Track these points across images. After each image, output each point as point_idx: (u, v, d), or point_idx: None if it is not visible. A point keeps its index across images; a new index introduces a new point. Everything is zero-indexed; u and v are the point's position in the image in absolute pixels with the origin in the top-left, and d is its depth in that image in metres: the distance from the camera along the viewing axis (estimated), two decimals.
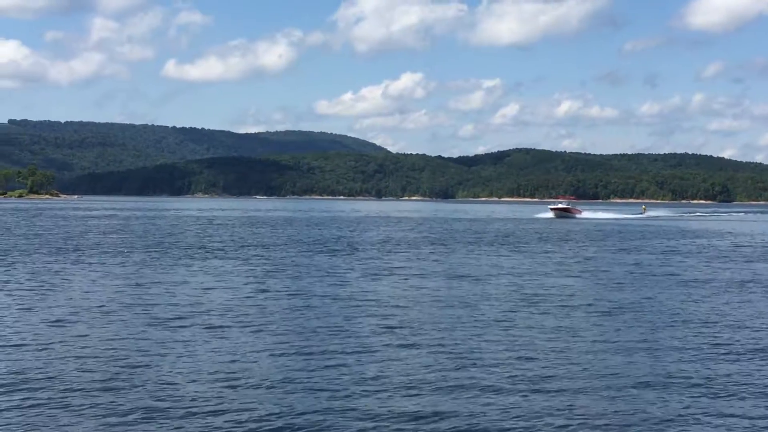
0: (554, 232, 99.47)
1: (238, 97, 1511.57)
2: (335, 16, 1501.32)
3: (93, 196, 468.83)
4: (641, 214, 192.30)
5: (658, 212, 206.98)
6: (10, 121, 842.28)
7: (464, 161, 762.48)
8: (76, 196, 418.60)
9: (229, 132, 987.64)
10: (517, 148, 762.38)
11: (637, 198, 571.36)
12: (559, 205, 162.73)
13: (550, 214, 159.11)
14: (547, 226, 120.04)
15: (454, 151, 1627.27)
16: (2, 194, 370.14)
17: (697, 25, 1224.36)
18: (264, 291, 35.85)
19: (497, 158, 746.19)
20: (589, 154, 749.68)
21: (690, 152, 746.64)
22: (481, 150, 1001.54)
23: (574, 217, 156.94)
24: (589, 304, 33.11)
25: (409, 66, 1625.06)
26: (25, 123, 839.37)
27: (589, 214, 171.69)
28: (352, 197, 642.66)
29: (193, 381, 19.67)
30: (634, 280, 42.69)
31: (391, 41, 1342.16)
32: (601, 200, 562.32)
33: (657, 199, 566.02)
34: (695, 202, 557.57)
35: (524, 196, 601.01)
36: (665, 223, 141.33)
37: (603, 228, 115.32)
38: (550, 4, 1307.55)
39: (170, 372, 20.40)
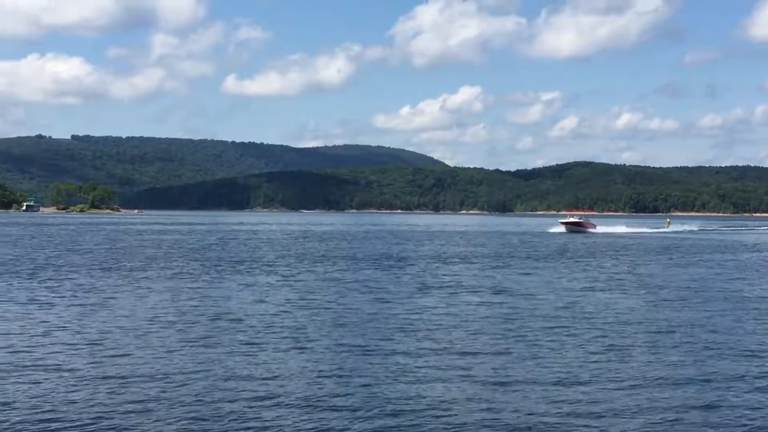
0: (551, 247, 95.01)
1: (297, 111, 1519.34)
2: (393, 31, 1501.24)
3: (153, 211, 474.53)
4: (665, 227, 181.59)
5: (686, 226, 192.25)
6: (73, 137, 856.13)
7: (522, 174, 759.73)
8: (136, 211, 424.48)
9: (287, 146, 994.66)
10: (575, 161, 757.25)
11: (698, 211, 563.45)
12: (570, 219, 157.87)
13: (561, 228, 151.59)
14: (551, 241, 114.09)
15: (512, 164, 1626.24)
16: (64, 209, 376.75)
17: (759, 36, 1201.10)
18: (326, 307, 35.09)
19: (555, 171, 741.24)
20: (649, 167, 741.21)
21: (752, 165, 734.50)
22: (539, 163, 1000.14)
23: (587, 232, 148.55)
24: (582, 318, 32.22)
25: (467, 80, 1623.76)
26: (87, 138, 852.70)
27: (606, 228, 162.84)
28: (409, 211, 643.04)
29: (232, 401, 19.40)
30: (612, 296, 41.76)
31: (449, 55, 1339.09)
32: (659, 212, 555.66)
33: (719, 212, 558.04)
34: (758, 215, 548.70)
35: (583, 210, 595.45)
36: (685, 237, 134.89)
37: (610, 243, 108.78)
38: (610, 16, 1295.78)
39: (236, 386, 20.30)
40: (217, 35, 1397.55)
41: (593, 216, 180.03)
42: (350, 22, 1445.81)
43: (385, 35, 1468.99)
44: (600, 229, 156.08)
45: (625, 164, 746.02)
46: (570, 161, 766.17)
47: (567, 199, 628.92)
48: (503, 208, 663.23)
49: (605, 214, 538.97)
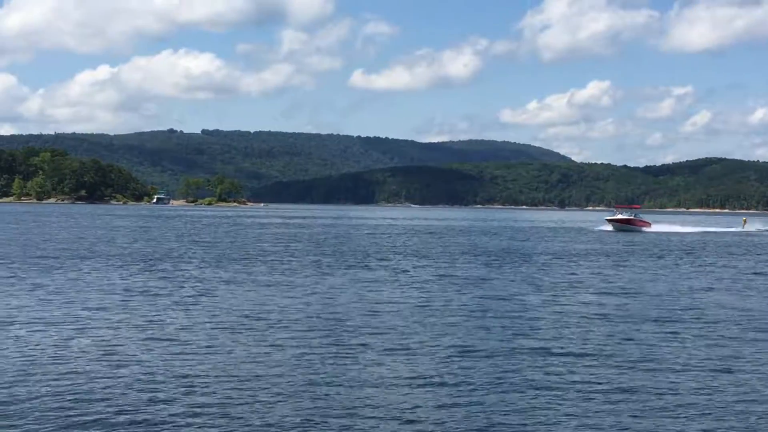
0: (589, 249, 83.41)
1: (423, 106, 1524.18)
2: (521, 24, 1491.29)
3: (279, 204, 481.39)
4: (741, 227, 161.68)
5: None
6: (203, 131, 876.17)
7: (651, 171, 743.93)
8: (262, 204, 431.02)
9: (412, 141, 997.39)
10: (707, 158, 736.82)
11: None
12: (618, 216, 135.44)
13: (608, 227, 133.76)
14: (592, 239, 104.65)
15: (640, 160, 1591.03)
16: (193, 202, 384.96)
17: None
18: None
19: (686, 168, 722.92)
20: None
21: None
22: (669, 159, 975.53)
23: (640, 231, 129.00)
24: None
25: (596, 74, 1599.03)
26: (217, 133, 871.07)
27: (665, 227, 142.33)
28: (534, 207, 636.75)
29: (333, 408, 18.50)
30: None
31: (578, 49, 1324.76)
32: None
33: None
34: None
35: (713, 207, 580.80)
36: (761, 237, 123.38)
37: (658, 243, 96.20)
38: (746, 7, 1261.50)
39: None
40: (345, 30, 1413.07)
41: (640, 212, 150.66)
42: (478, 16, 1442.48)
43: (512, 29, 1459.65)
44: (657, 227, 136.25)
45: (758, 161, 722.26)
46: (701, 157, 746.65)
47: (697, 196, 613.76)
48: (631, 204, 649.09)
49: (701, 210, 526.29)
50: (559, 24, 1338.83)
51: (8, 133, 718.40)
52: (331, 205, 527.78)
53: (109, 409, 17.80)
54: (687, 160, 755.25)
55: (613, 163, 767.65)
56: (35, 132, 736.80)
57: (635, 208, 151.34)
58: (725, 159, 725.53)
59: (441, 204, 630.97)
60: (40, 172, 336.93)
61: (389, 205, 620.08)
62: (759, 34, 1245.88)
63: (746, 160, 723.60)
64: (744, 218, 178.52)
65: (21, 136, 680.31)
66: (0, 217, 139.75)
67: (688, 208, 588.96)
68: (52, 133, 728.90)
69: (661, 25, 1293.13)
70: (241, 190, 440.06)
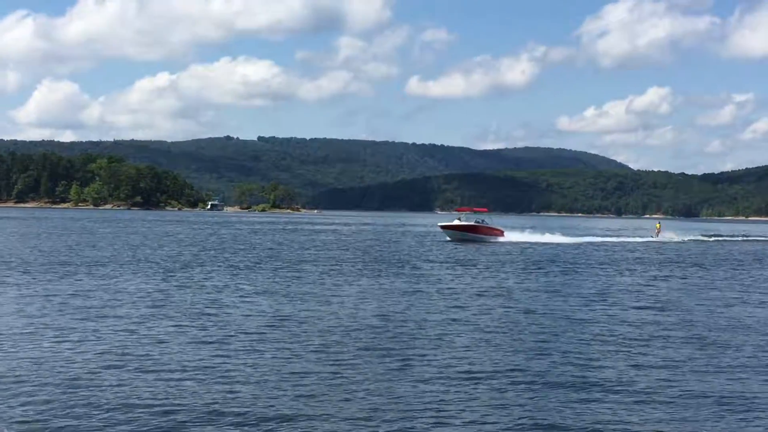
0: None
1: (479, 113, 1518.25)
2: (579, 31, 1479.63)
3: (333, 211, 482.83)
4: (654, 235, 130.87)
5: (682, 236, 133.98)
6: (259, 138, 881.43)
7: (710, 178, 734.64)
8: (316, 211, 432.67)
9: (467, 149, 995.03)
10: (766, 165, 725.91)
11: None
12: (456, 222, 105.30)
13: (446, 236, 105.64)
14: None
15: (699, 168, 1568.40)
16: (247, 208, 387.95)
17: None
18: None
19: (745, 175, 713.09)
20: None
21: None
22: (728, 167, 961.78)
23: (486, 240, 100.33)
24: None
25: (655, 80, 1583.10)
26: (273, 140, 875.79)
27: (528, 236, 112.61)
28: (590, 215, 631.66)
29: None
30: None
31: (637, 55, 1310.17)
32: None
33: None
34: None
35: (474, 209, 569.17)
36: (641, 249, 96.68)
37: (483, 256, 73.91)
38: None
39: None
40: (402, 37, 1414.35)
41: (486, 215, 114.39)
42: (535, 22, 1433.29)
43: (570, 35, 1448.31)
44: (514, 236, 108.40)
45: None
46: (761, 165, 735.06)
47: (756, 204, 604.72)
48: (688, 212, 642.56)
49: (760, 218, 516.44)
50: (617, 30, 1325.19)
51: (69, 140, 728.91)
52: (386, 212, 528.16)
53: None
54: (746, 168, 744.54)
55: (671, 170, 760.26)
56: (95, 139, 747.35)
57: (480, 212, 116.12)
58: None
59: (497, 211, 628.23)
60: (97, 179, 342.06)
61: (444, 212, 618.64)
62: None
63: None
64: (658, 223, 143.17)
65: (81, 143, 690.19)
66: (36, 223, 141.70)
67: (747, 217, 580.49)
68: (111, 140, 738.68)
69: (722, 31, 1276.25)
70: (296, 196, 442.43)
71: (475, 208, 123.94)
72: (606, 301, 39.77)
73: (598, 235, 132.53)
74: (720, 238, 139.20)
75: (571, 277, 52.93)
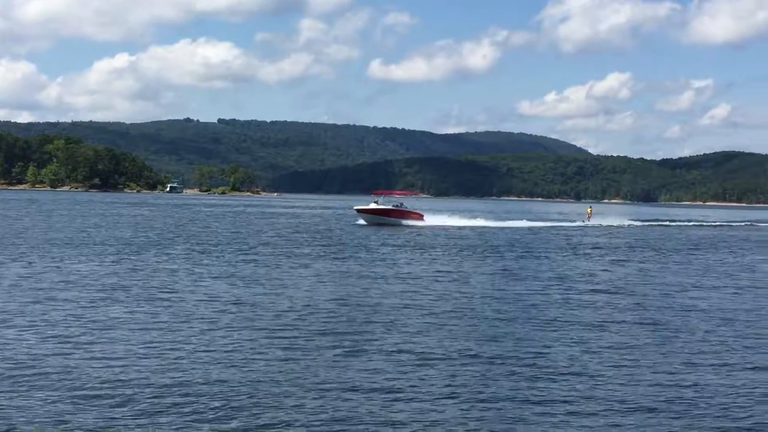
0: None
1: (441, 97, 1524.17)
2: (541, 16, 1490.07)
3: (293, 194, 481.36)
4: (585, 220, 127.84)
5: (615, 220, 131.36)
6: (220, 120, 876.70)
7: (668, 164, 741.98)
8: (275, 194, 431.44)
9: (429, 132, 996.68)
10: (725, 151, 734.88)
11: None
12: (373, 206, 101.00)
13: (362, 220, 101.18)
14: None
15: (658, 153, 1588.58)
16: (206, 191, 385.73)
17: None
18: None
19: (703, 161, 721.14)
20: None
21: None
22: (687, 153, 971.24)
23: (404, 224, 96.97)
24: None
25: (615, 66, 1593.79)
26: (233, 122, 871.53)
27: (452, 220, 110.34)
28: (550, 199, 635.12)
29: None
30: None
31: (598, 41, 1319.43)
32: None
33: None
34: None
35: (730, 201, 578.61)
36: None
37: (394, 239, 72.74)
38: None
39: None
40: (364, 20, 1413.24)
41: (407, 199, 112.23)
42: (498, 7, 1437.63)
43: (532, 20, 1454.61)
44: (437, 220, 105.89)
45: None
46: (718, 151, 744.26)
47: (714, 190, 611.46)
48: (647, 197, 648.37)
49: (717, 204, 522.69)
50: (579, 15, 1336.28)
51: (26, 121, 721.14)
52: (346, 196, 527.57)
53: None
54: (704, 154, 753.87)
55: (630, 156, 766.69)
56: (52, 120, 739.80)
57: (402, 195, 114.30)
58: (743, 153, 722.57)
59: (457, 195, 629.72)
60: (54, 160, 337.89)
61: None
62: None
63: (764, 153, 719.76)
64: (589, 208, 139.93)
65: (38, 123, 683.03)
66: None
67: (704, 202, 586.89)
68: (69, 121, 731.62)
69: (683, 18, 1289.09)
70: (256, 179, 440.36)
71: (396, 192, 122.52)
72: (492, 284, 39.74)
73: (530, 220, 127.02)
74: (655, 224, 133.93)
75: (472, 262, 52.03)
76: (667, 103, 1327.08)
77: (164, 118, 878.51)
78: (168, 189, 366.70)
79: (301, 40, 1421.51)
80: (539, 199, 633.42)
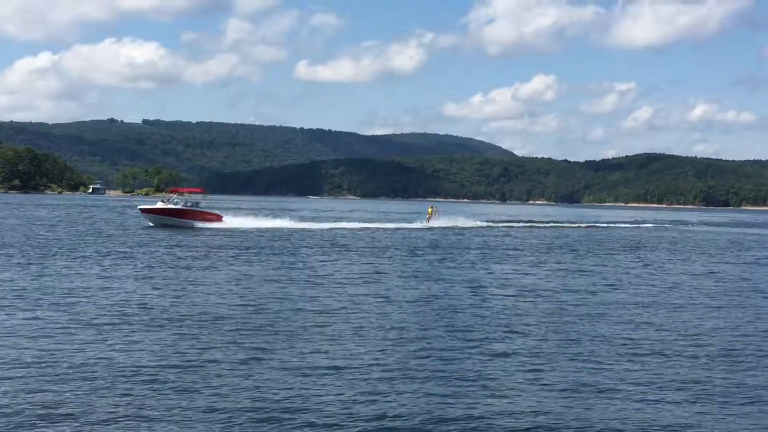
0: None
1: (367, 98, 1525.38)
2: (467, 18, 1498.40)
3: (219, 196, 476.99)
4: (425, 221, 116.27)
5: (458, 221, 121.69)
6: (144, 121, 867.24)
7: (591, 166, 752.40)
8: (200, 195, 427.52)
9: (355, 134, 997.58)
10: (646, 153, 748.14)
11: None
12: (160, 205, 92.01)
13: (148, 221, 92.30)
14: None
15: (582, 155, 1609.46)
16: (130, 192, 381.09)
17: None
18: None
19: (626, 163, 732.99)
20: (721, 160, 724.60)
21: None
22: (610, 154, 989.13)
23: (195, 226, 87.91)
24: None
25: (540, 68, 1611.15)
26: (158, 123, 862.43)
27: (255, 221, 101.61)
28: (476, 200, 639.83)
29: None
30: None
31: (524, 43, 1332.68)
32: (730, 206, 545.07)
33: None
34: None
35: (651, 202, 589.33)
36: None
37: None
38: (689, 5, 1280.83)
39: None
40: (291, 21, 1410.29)
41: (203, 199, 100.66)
42: (424, 8, 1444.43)
43: (458, 22, 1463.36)
44: (239, 222, 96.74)
45: (697, 157, 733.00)
46: (640, 152, 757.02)
47: (636, 191, 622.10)
48: (571, 198, 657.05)
49: (639, 205, 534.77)
50: (505, 18, 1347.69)
51: None
52: (273, 197, 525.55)
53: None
54: (627, 156, 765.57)
55: (555, 157, 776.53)
56: None
57: (196, 193, 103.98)
58: (664, 155, 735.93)
59: (384, 197, 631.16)
60: None
61: (330, 197, 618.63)
62: (701, 32, 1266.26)
63: (685, 156, 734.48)
64: (431, 207, 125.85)
65: None
66: None
67: (626, 203, 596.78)
68: None
69: (606, 21, 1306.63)
70: (180, 181, 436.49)
71: (191, 189, 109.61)
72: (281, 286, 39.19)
73: (356, 221, 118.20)
74: (512, 225, 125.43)
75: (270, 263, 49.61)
76: (590, 106, 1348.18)
77: (88, 119, 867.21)
78: (90, 190, 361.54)
79: (228, 40, 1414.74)
80: (465, 200, 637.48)
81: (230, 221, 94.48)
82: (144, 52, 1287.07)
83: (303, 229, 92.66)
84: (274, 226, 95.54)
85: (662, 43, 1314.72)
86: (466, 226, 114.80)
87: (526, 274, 47.55)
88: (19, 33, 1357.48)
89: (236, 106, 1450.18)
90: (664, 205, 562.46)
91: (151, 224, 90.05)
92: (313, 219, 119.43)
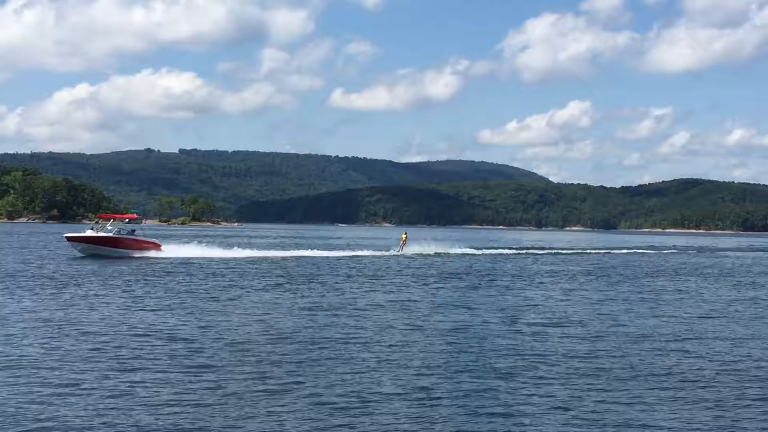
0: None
1: (402, 126, 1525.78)
2: (502, 45, 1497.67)
3: (255, 224, 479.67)
4: (395, 250, 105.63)
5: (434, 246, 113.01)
6: (181, 151, 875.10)
7: (628, 191, 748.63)
8: (236, 224, 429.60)
9: (391, 161, 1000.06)
10: (683, 178, 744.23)
11: None
12: (89, 232, 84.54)
13: (77, 250, 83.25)
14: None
15: (618, 181, 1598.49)
16: (166, 221, 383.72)
17: None
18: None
19: (662, 188, 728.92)
20: (760, 185, 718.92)
21: None
22: (646, 180, 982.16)
23: (129, 255, 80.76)
24: None
25: (576, 94, 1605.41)
26: (194, 152, 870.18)
27: (201, 251, 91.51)
28: (511, 227, 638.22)
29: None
30: None
31: (559, 69, 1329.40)
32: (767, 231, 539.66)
33: None
34: None
35: (689, 228, 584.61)
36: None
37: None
38: (726, 29, 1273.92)
39: None
40: (326, 50, 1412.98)
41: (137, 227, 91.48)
42: (459, 36, 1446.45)
43: (493, 49, 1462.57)
44: (182, 251, 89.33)
45: (734, 182, 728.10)
46: (677, 178, 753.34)
47: (673, 217, 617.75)
48: (607, 225, 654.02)
49: (677, 231, 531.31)
50: (539, 44, 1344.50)
51: None
52: (309, 225, 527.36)
53: None
54: (663, 181, 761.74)
55: (591, 183, 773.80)
56: (11, 151, 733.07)
57: (130, 219, 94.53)
58: (702, 180, 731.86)
59: (419, 224, 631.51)
60: (12, 192, 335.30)
61: (366, 225, 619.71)
62: (738, 56, 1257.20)
63: (722, 181, 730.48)
64: (404, 234, 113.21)
65: None
66: None
67: (663, 228, 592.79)
68: (29, 152, 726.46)
69: (642, 47, 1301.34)
70: (216, 210, 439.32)
71: (126, 215, 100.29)
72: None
73: (323, 248, 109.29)
74: (496, 252, 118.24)
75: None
76: (626, 131, 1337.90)
77: (125, 149, 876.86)
78: (127, 220, 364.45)
79: (263, 69, 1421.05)
80: (501, 227, 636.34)
81: (175, 250, 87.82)
82: (181, 83, 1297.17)
83: (256, 258, 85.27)
84: (224, 256, 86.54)
85: (699, 68, 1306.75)
86: (431, 252, 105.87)
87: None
88: (57, 65, 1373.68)
89: (272, 134, 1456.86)
90: (702, 231, 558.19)
91: (80, 254, 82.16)
92: (280, 247, 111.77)
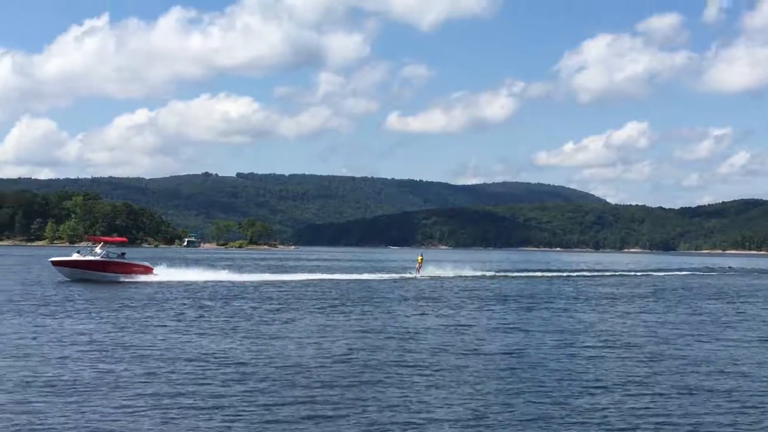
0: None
1: (458, 148, 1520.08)
2: (558, 66, 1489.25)
3: (311, 247, 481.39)
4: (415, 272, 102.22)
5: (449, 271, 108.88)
6: (238, 174, 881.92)
7: (687, 212, 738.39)
8: (293, 247, 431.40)
9: (447, 184, 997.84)
10: (743, 199, 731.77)
11: None
12: (76, 256, 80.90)
13: (63, 275, 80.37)
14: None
15: (677, 201, 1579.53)
16: (224, 245, 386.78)
17: None
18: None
19: (722, 209, 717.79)
20: None
21: None
22: (705, 201, 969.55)
23: (118, 280, 77.81)
24: None
25: (633, 115, 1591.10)
26: (252, 176, 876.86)
27: (195, 274, 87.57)
28: (568, 249, 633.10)
29: None
30: None
31: (615, 90, 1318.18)
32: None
33: None
34: None
35: (750, 249, 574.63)
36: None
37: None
38: None
39: None
40: (382, 73, 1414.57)
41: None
42: (514, 57, 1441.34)
43: (549, 70, 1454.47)
44: (173, 275, 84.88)
45: None
46: (737, 198, 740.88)
47: (733, 238, 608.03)
48: (666, 246, 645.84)
49: (737, 252, 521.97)
50: (596, 65, 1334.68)
51: (46, 177, 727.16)
52: (365, 248, 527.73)
53: None
54: (723, 202, 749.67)
55: (649, 204, 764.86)
56: (72, 176, 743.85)
57: (117, 242, 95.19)
58: (762, 200, 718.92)
59: (476, 246, 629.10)
60: (73, 216, 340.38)
61: (423, 247, 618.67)
62: None
63: None
64: (420, 256, 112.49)
65: (58, 180, 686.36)
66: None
67: (724, 250, 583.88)
68: (89, 177, 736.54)
69: (699, 66, 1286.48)
70: (273, 233, 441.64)
71: (114, 238, 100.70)
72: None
73: (324, 272, 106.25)
74: (508, 274, 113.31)
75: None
76: (685, 152, 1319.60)
77: (183, 173, 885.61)
78: (185, 243, 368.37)
79: (320, 93, 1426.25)
80: (558, 249, 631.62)
81: (166, 274, 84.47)
82: (238, 107, 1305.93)
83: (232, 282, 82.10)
84: (218, 279, 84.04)
85: (758, 87, 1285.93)
86: (448, 275, 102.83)
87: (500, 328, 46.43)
88: (117, 91, 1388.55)
89: (328, 158, 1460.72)
90: (763, 252, 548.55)
91: (66, 278, 79.36)
92: (285, 271, 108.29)
